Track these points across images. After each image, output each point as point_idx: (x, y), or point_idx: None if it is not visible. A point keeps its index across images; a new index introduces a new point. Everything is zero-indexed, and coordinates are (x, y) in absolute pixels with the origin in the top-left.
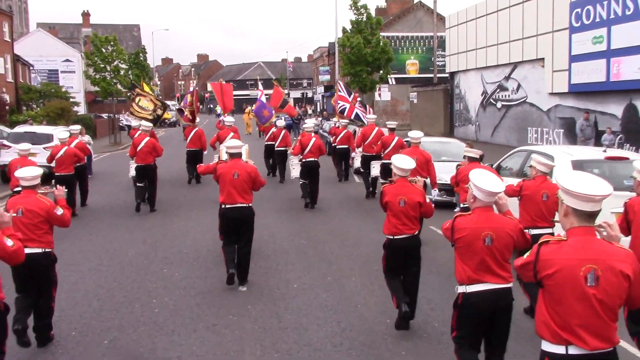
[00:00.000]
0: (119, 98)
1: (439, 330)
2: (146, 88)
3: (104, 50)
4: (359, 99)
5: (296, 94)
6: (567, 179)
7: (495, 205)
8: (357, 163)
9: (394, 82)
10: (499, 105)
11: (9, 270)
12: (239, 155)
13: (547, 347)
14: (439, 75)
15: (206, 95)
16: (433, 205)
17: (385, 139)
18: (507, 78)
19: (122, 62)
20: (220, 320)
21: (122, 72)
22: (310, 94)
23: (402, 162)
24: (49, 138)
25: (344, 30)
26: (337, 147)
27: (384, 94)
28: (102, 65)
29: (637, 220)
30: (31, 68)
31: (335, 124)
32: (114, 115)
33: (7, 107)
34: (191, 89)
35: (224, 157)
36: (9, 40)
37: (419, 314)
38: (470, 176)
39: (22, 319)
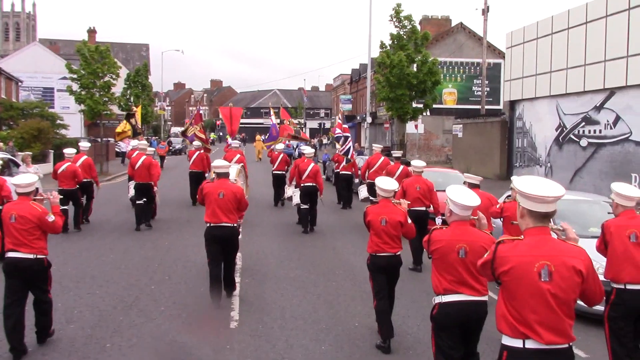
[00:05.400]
0: (115, 120)
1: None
2: (137, 113)
3: (92, 63)
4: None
5: (313, 124)
6: (522, 183)
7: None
8: (363, 193)
9: (427, 113)
10: (583, 143)
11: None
12: (226, 175)
13: (506, 341)
14: (487, 107)
15: (217, 122)
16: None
17: (390, 168)
18: (599, 108)
19: (114, 77)
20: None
21: (113, 90)
22: (328, 124)
23: (385, 183)
24: None
25: (382, 45)
26: (340, 172)
27: (420, 126)
28: (90, 81)
29: (612, 242)
30: (20, 84)
31: (338, 152)
32: (101, 140)
33: None
34: (196, 111)
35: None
36: None
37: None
38: (447, 191)
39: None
